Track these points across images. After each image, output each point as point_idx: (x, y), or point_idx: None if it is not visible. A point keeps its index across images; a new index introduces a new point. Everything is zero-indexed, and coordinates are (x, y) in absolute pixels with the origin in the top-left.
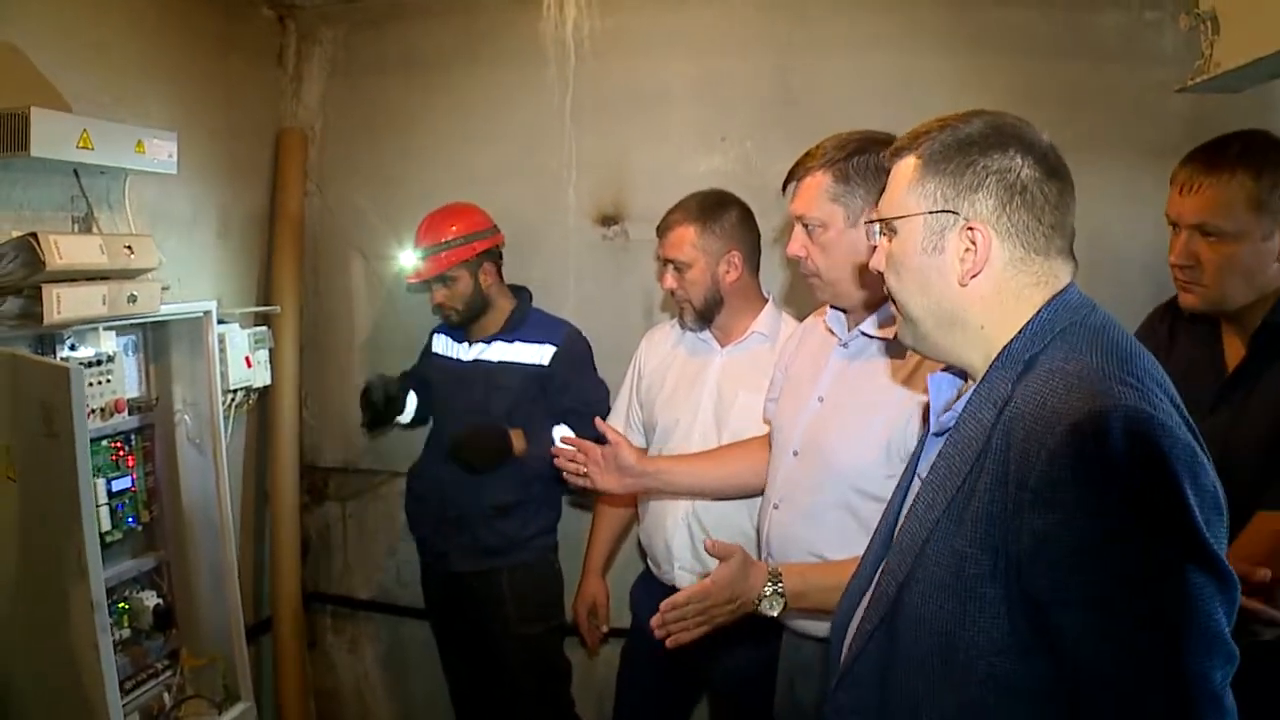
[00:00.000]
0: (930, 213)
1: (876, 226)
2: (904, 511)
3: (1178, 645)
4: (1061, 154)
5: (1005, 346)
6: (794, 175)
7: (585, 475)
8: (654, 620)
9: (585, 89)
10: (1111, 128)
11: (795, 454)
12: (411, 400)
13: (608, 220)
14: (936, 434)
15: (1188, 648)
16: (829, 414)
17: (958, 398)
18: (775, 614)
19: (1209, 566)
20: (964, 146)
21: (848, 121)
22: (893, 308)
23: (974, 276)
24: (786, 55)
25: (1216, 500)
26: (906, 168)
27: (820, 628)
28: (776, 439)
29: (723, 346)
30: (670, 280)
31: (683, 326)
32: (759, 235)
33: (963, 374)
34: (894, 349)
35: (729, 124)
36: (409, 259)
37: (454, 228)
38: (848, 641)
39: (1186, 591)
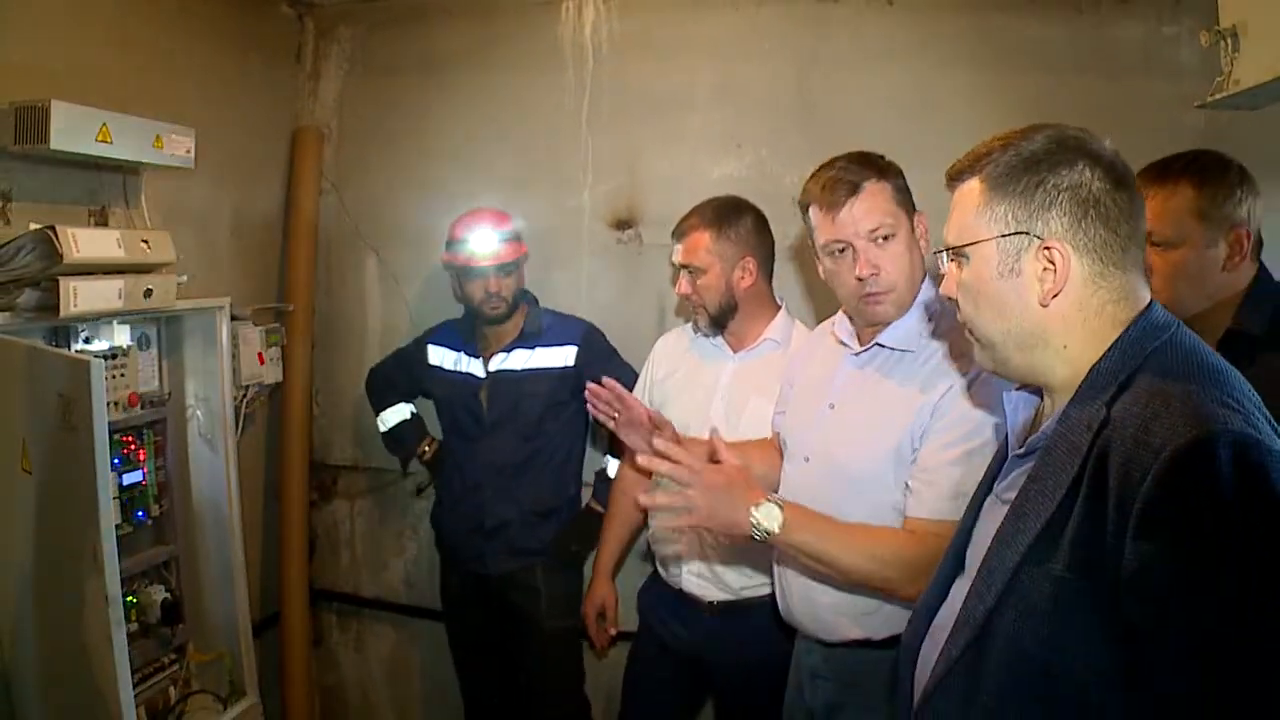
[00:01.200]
0: (1003, 236)
1: (945, 254)
2: (976, 531)
3: None
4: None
5: (1094, 366)
6: (841, 195)
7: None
8: (642, 460)
9: (602, 92)
10: (1128, 141)
11: (807, 460)
12: (401, 410)
13: (622, 224)
14: (1022, 455)
15: None
16: (840, 421)
17: (1037, 416)
18: (771, 529)
19: None
20: (1030, 165)
21: (866, 131)
22: (967, 334)
23: (1055, 296)
24: (805, 63)
25: None
26: (971, 192)
27: (828, 631)
28: (788, 447)
29: (735, 352)
30: (685, 285)
31: (696, 331)
32: (774, 242)
33: (1038, 391)
34: (907, 359)
35: (745, 131)
36: (488, 240)
37: (513, 224)
38: (925, 664)
39: None
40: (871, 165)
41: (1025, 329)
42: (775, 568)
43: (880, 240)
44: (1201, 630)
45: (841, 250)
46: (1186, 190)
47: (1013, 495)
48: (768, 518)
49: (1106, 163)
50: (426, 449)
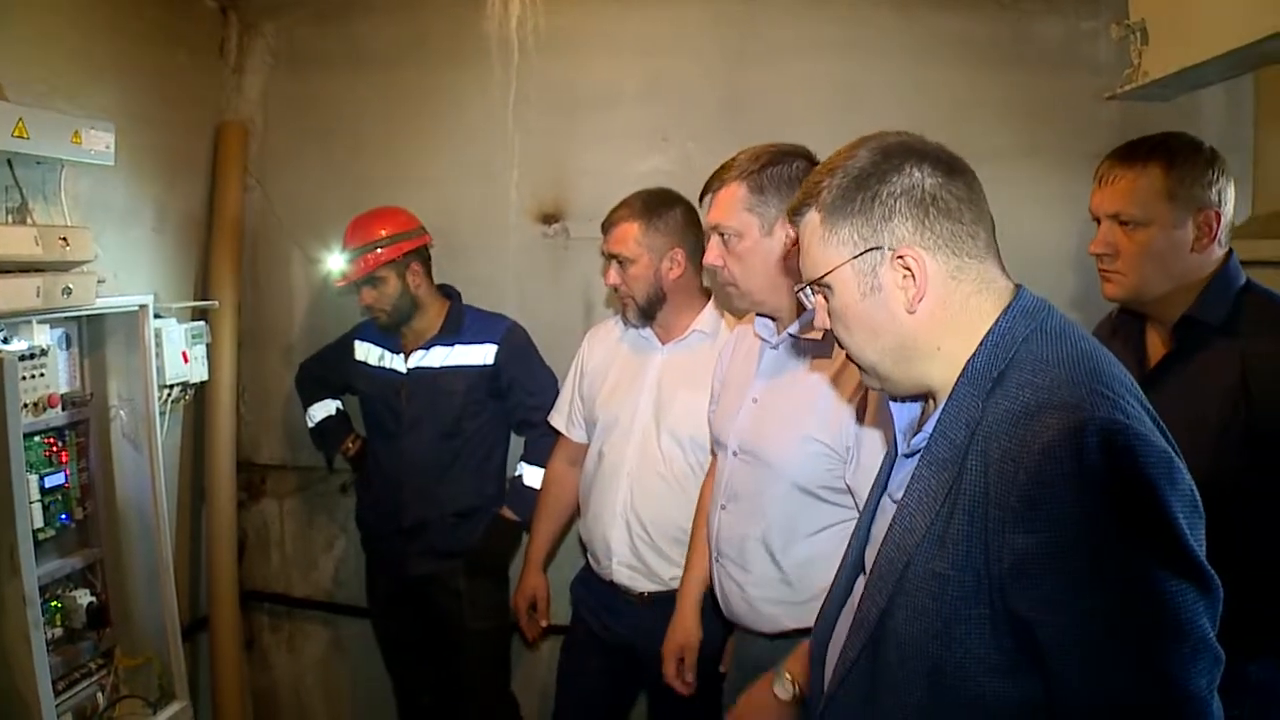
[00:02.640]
0: (855, 257)
1: (809, 290)
2: (874, 530)
3: (1164, 654)
4: (999, 159)
5: (968, 361)
6: (710, 187)
7: None
8: None
9: (528, 87)
10: (1048, 133)
11: (735, 454)
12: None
13: (549, 218)
14: (907, 455)
15: (1174, 656)
16: (762, 414)
17: (922, 415)
18: (795, 691)
19: (1191, 572)
20: (860, 182)
21: (793, 126)
22: (852, 362)
23: (920, 300)
24: (732, 58)
25: (1194, 501)
26: (812, 223)
27: (769, 623)
28: (718, 442)
29: (664, 344)
30: (614, 276)
31: (625, 323)
32: (703, 234)
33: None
34: (822, 349)
35: (672, 125)
36: (336, 262)
37: (380, 230)
38: (830, 665)
39: (1171, 600)
40: (744, 165)
41: (899, 342)
42: (713, 566)
43: (724, 237)
44: (1083, 614)
45: None
46: (1155, 170)
47: (901, 495)
48: (784, 690)
49: (932, 157)
50: (350, 445)
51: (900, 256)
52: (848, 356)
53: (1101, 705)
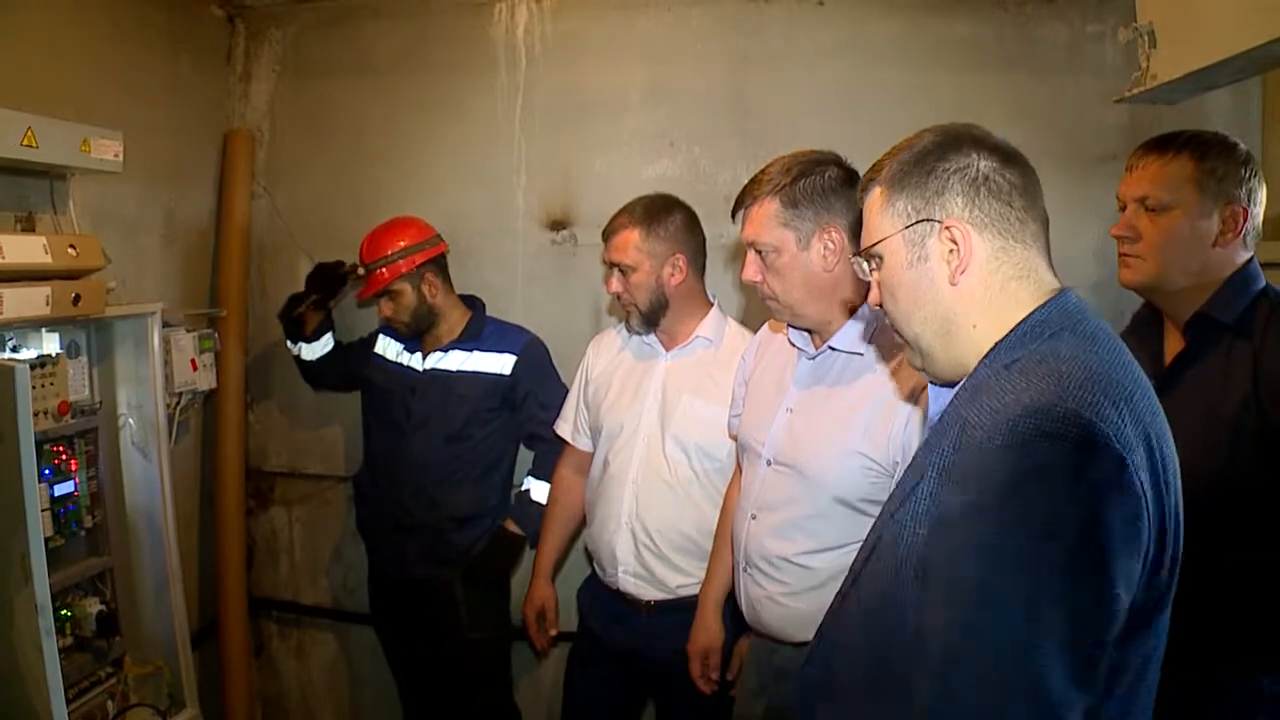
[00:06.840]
0: (907, 227)
1: (865, 264)
2: None
3: (1030, 624)
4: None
5: (996, 344)
6: (742, 202)
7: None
8: None
9: (535, 93)
10: (1055, 138)
11: (769, 464)
12: (327, 339)
13: (557, 225)
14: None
15: (1036, 628)
16: (801, 426)
17: None
18: None
19: (1064, 612)
20: (921, 159)
21: (798, 131)
22: (895, 337)
23: (963, 272)
24: (737, 63)
25: (1132, 533)
26: (875, 198)
27: (806, 633)
28: (746, 451)
29: (668, 350)
30: (615, 284)
31: (629, 330)
32: (704, 239)
33: None
34: (865, 363)
35: (679, 130)
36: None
37: (400, 242)
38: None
39: (1060, 603)
40: (775, 179)
41: (940, 312)
42: (739, 574)
43: (761, 253)
44: (957, 570)
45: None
46: (1186, 158)
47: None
48: None
49: (990, 145)
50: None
51: (948, 228)
52: (893, 328)
53: (947, 638)
